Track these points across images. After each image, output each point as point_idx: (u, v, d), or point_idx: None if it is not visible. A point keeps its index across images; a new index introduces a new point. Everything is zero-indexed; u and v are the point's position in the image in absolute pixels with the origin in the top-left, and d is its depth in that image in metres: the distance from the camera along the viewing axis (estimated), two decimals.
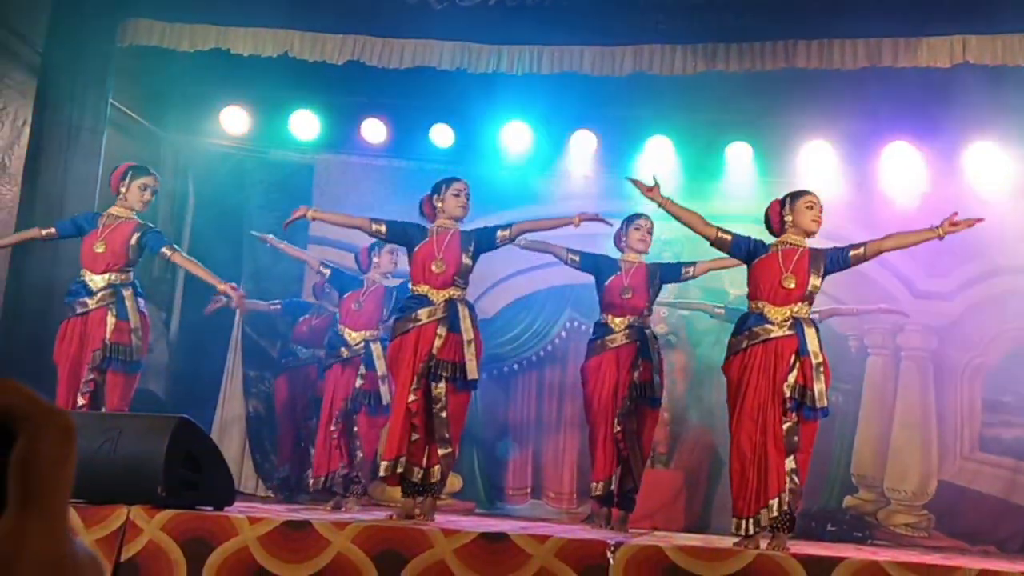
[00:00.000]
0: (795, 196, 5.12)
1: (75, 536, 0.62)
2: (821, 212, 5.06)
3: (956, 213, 4.96)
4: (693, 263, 6.35)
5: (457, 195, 5.61)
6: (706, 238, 5.14)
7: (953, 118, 7.67)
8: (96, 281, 5.98)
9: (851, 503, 7.95)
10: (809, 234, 5.06)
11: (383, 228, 5.62)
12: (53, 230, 6.19)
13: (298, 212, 5.80)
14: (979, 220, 5.00)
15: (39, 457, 0.60)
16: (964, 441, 7.93)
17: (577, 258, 6.34)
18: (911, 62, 6.81)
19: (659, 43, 7.22)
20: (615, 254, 6.46)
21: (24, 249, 6.91)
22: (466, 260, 5.52)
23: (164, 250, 6.17)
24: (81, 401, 5.82)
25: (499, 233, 5.61)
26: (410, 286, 5.63)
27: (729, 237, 5.09)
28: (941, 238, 4.97)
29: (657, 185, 5.17)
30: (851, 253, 5.01)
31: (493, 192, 7.84)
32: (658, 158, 8.32)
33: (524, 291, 8.72)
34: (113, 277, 5.99)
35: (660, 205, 5.20)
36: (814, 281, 4.96)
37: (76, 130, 7.17)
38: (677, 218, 5.20)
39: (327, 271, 7.15)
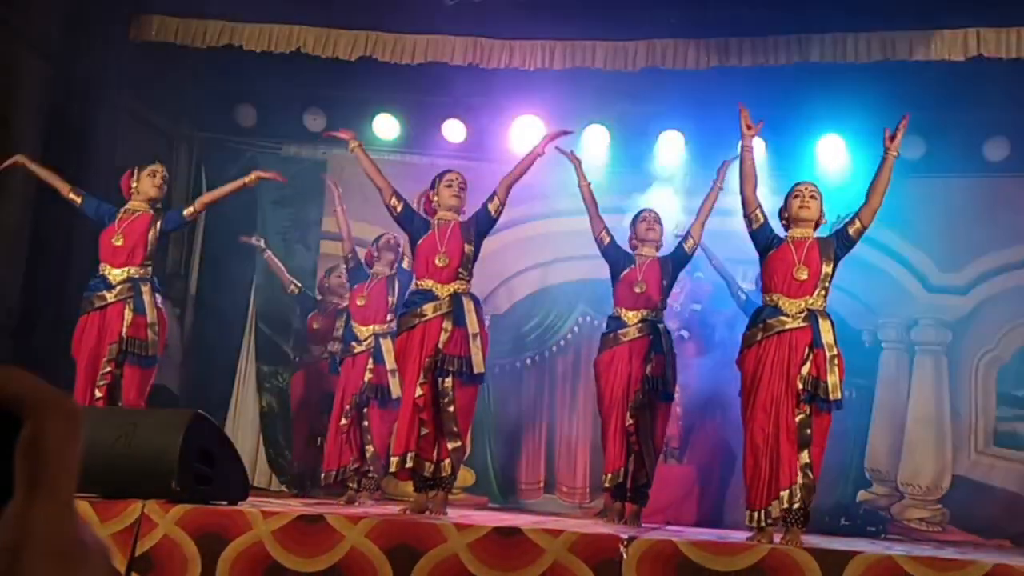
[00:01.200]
0: (788, 193, 5.18)
1: (82, 521, 0.63)
2: (811, 198, 5.08)
3: (886, 129, 5.04)
4: (687, 233, 6.28)
5: (449, 185, 5.61)
6: (746, 205, 5.10)
7: (969, 111, 7.64)
8: (115, 274, 6.02)
9: (865, 497, 7.93)
10: (807, 223, 5.06)
11: (399, 206, 5.61)
12: (80, 200, 6.18)
13: (346, 134, 5.86)
14: (906, 116, 5.12)
15: (46, 443, 0.61)
16: (978, 435, 7.91)
17: (608, 240, 6.28)
18: (925, 56, 6.78)
19: (671, 38, 7.22)
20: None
21: (40, 246, 6.95)
22: (468, 248, 5.51)
23: (185, 213, 6.30)
24: (98, 394, 5.85)
25: (489, 206, 5.60)
26: (414, 281, 5.64)
27: (762, 220, 5.11)
28: (897, 155, 5.05)
29: (759, 127, 5.13)
30: (851, 230, 5.04)
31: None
32: (670, 152, 8.31)
33: (537, 286, 8.73)
34: (132, 271, 6.03)
35: (744, 148, 5.12)
36: (826, 268, 4.97)
37: (89, 127, 7.20)
38: (743, 167, 5.12)
39: (351, 263, 7.17)
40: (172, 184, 6.46)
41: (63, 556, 0.60)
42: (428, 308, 5.42)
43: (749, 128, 5.11)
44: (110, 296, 5.99)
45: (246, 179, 6.35)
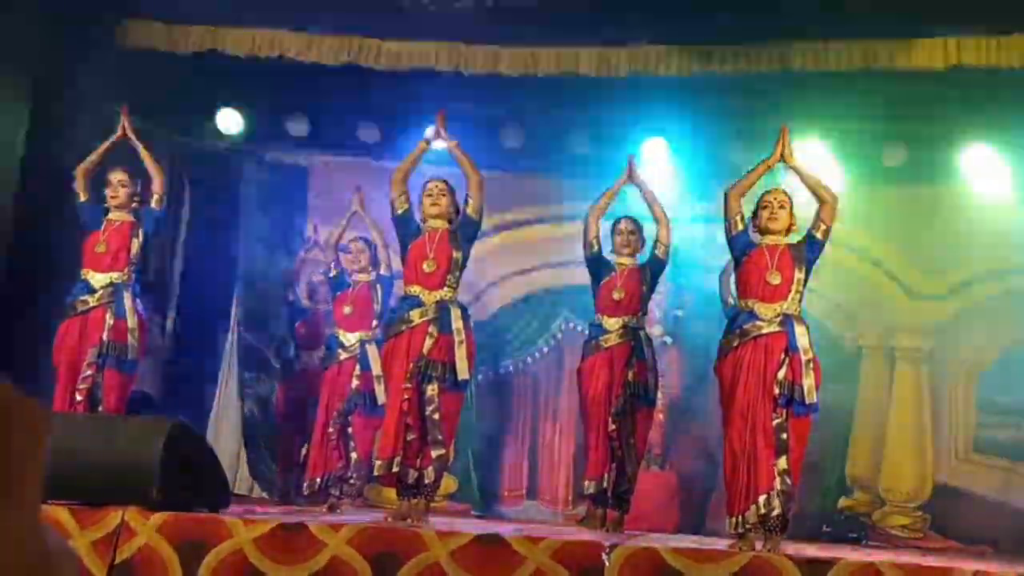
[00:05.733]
0: (758, 202, 5.22)
1: (49, 528, 0.62)
2: (780, 208, 5.10)
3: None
4: (655, 239, 6.28)
5: (429, 194, 5.63)
6: (728, 210, 5.14)
7: (949, 120, 7.69)
8: (98, 279, 6.05)
9: (846, 504, 7.95)
10: (777, 232, 5.09)
11: (402, 207, 5.61)
12: (84, 199, 6.18)
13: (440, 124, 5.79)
14: (784, 127, 5.30)
15: (10, 446, 0.59)
16: (959, 442, 7.94)
17: (596, 249, 6.31)
18: (906, 63, 6.82)
19: (654, 44, 7.23)
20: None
21: (21, 252, 6.92)
22: (456, 254, 5.52)
23: (154, 205, 6.22)
24: (78, 398, 5.85)
25: (467, 209, 5.59)
26: (403, 287, 5.64)
27: (742, 227, 5.15)
28: (792, 161, 5.26)
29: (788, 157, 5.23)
30: (817, 234, 5.09)
31: (488, 193, 7.82)
32: (654, 159, 8.31)
33: (520, 293, 8.73)
34: (115, 276, 6.07)
35: (764, 163, 5.27)
36: (799, 274, 5.00)
37: (72, 132, 7.16)
38: (749, 177, 5.24)
39: (336, 271, 7.16)
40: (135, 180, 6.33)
41: (28, 564, 0.59)
42: (414, 314, 5.43)
43: (784, 153, 5.21)
44: (92, 301, 6.01)
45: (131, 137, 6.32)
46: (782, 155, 5.23)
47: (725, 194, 5.19)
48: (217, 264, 8.79)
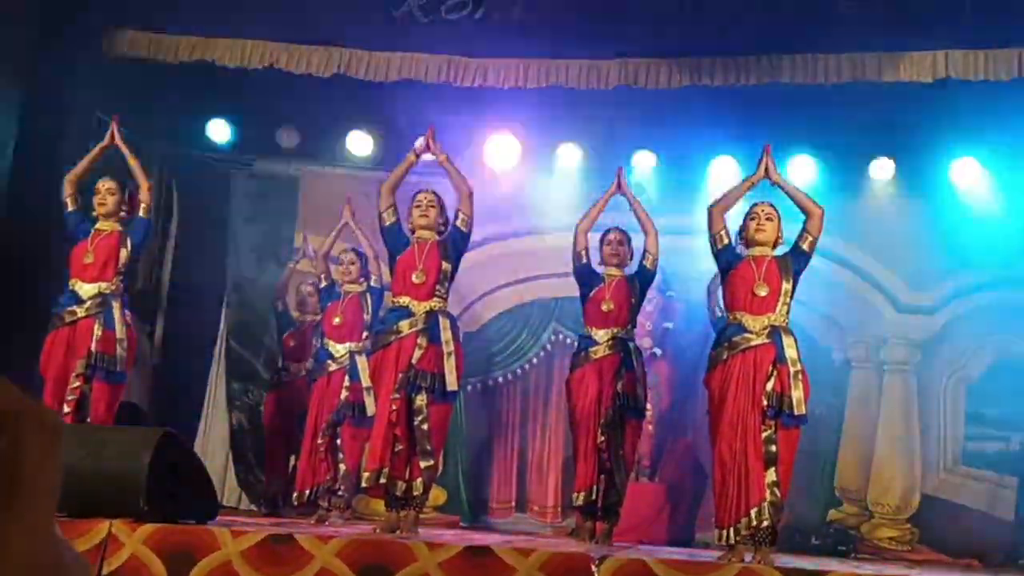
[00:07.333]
0: (746, 214, 5.25)
1: (62, 540, 0.61)
2: (767, 220, 5.14)
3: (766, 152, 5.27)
4: (643, 251, 6.28)
5: (418, 205, 5.65)
6: (713, 224, 5.17)
7: (938, 133, 7.72)
8: (86, 290, 6.00)
9: (835, 516, 7.96)
10: (764, 244, 5.11)
11: (391, 219, 5.61)
12: (71, 208, 6.14)
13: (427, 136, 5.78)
14: (767, 146, 5.31)
15: (23, 456, 0.59)
16: (947, 455, 7.95)
17: (585, 261, 6.31)
18: (894, 76, 6.86)
19: (644, 57, 7.26)
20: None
21: (10, 259, 6.90)
22: (445, 265, 5.53)
23: (142, 215, 6.17)
24: (66, 409, 5.80)
25: (457, 222, 5.61)
26: (391, 297, 5.63)
27: (727, 241, 5.17)
28: (779, 178, 5.32)
29: (771, 174, 5.26)
30: (804, 245, 5.12)
31: (479, 205, 7.83)
32: (643, 171, 8.34)
33: (509, 304, 8.73)
34: (103, 286, 6.01)
35: (748, 180, 5.33)
36: (786, 285, 5.03)
37: (62, 142, 7.15)
38: (733, 193, 5.30)
39: (326, 282, 7.16)
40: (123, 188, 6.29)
41: (40, 574, 0.59)
42: (404, 325, 5.43)
43: (767, 171, 5.24)
44: (80, 311, 5.96)
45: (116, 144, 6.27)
46: (766, 172, 5.26)
47: (709, 211, 5.22)
48: (206, 274, 8.78)
